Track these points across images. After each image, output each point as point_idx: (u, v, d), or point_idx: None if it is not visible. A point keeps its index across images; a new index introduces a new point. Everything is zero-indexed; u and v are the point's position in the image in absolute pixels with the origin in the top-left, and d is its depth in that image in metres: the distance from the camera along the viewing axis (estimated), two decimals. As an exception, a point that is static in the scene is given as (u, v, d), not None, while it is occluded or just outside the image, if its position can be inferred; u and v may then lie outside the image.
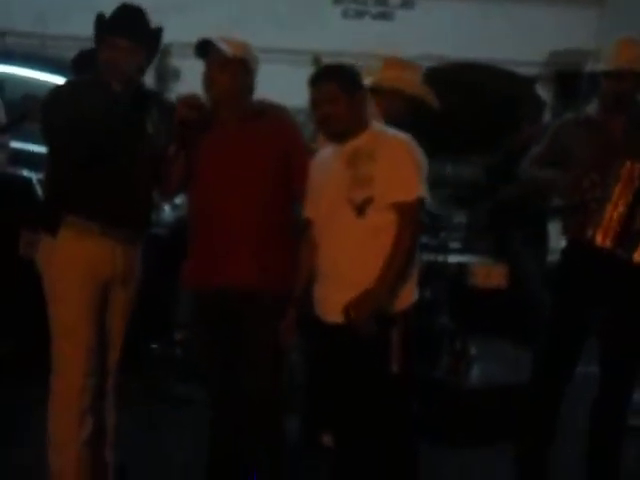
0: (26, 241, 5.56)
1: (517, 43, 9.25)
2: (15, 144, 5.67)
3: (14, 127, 5.50)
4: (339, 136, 3.93)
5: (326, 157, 3.98)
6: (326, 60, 9.44)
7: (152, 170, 3.98)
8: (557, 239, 6.99)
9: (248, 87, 4.06)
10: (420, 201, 3.82)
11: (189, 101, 3.93)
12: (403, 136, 3.91)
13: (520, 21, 9.46)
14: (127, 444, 4.23)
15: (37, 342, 5.57)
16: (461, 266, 6.24)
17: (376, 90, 4.55)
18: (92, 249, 3.90)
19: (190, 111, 3.90)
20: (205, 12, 8.04)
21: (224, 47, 3.94)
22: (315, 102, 3.93)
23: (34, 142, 5.82)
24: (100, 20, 3.94)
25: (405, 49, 9.38)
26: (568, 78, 8.95)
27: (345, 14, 9.81)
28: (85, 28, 8.87)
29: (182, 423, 5.21)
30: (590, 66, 7.83)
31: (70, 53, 7.95)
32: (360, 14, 9.83)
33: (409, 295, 3.91)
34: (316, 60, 10.25)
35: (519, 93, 7.23)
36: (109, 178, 3.88)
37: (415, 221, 3.84)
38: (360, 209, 3.82)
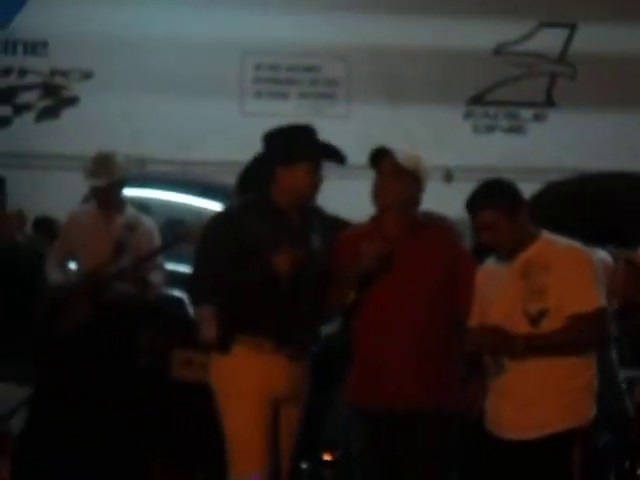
0: (179, 361, 5.60)
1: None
2: (169, 266, 5.77)
3: (168, 249, 5.61)
4: (508, 256, 3.86)
5: (495, 268, 3.91)
6: (458, 176, 9.48)
7: (318, 287, 3.97)
8: None
9: (415, 199, 4.07)
10: (601, 311, 3.70)
11: (375, 254, 3.92)
12: (578, 245, 3.82)
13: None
14: None
15: (193, 460, 5.67)
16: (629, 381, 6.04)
17: None
18: (265, 365, 3.91)
19: (374, 262, 3.91)
20: (342, 130, 8.12)
21: (400, 157, 3.97)
22: (477, 227, 3.87)
23: (185, 263, 5.93)
24: (300, 143, 4.02)
25: (537, 162, 9.41)
26: None
27: (476, 129, 9.84)
28: (223, 153, 9.11)
29: None
30: None
31: (210, 177, 8.21)
32: (491, 128, 9.85)
33: (589, 410, 3.77)
34: (448, 175, 10.31)
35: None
36: (278, 299, 3.90)
37: (596, 331, 3.72)
38: (535, 321, 3.73)
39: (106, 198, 5.71)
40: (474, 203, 3.85)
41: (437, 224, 4.15)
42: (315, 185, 4.00)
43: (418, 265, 3.99)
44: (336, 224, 4.35)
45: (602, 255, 4.54)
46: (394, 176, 3.99)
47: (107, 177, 5.64)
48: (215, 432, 4.43)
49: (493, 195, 3.85)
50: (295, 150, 3.99)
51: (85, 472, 5.17)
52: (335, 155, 4.05)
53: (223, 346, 3.94)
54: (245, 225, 3.92)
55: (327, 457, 5.99)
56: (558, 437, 3.68)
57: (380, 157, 4.03)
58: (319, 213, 4.15)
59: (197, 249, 4.14)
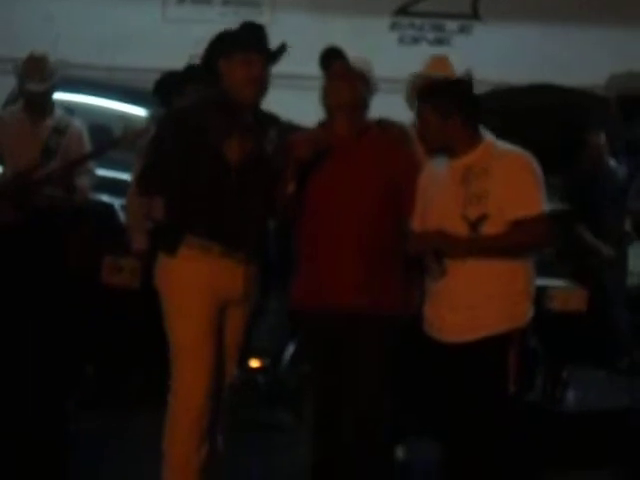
0: (109, 267, 5.54)
1: (577, 66, 9.17)
2: (98, 171, 5.67)
3: (101, 154, 5.51)
4: (433, 152, 3.89)
5: (437, 172, 3.92)
6: (383, 87, 9.45)
7: (269, 191, 3.93)
8: (636, 261, 6.92)
9: (365, 101, 4.04)
10: (543, 216, 3.74)
11: (308, 142, 3.91)
12: (519, 150, 3.84)
13: (580, 44, 9.39)
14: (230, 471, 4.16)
15: (118, 367, 5.65)
16: (539, 290, 6.16)
17: None
18: (212, 269, 3.86)
19: (309, 150, 3.89)
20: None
21: (350, 58, 3.93)
22: (416, 117, 3.94)
23: (117, 169, 5.83)
24: (231, 35, 3.93)
25: (463, 75, 9.38)
26: (629, 101, 8.87)
27: (401, 40, 9.78)
28: (144, 59, 8.88)
29: (276, 449, 5.13)
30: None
31: (133, 83, 8.05)
32: (416, 40, 9.79)
33: (526, 313, 3.83)
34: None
35: (594, 113, 7.17)
36: (227, 198, 3.85)
37: (538, 236, 3.76)
38: (474, 226, 3.75)
39: (41, 102, 5.55)
40: (420, 93, 3.92)
41: (388, 128, 4.12)
42: (252, 78, 3.86)
43: (365, 165, 3.98)
44: (291, 130, 4.28)
45: None
46: (344, 77, 3.95)
47: (45, 81, 5.47)
48: (149, 337, 4.42)
49: (433, 90, 3.89)
50: (230, 42, 3.90)
51: (18, 380, 5.12)
52: (262, 46, 3.91)
53: (170, 248, 3.86)
54: (197, 120, 3.82)
55: (255, 364, 6.03)
56: (496, 339, 3.74)
57: (331, 58, 3.98)
58: (275, 120, 4.08)
59: (148, 143, 4.04)
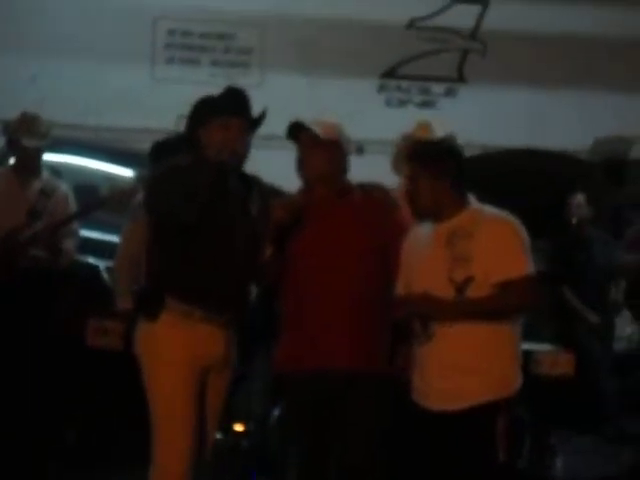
0: (93, 329, 5.51)
1: (561, 130, 9.25)
2: (83, 232, 5.65)
3: (88, 213, 5.50)
4: (422, 216, 3.88)
5: (422, 235, 3.91)
6: (371, 149, 9.50)
7: (253, 254, 3.92)
8: (623, 326, 6.92)
9: (340, 167, 4.05)
10: (528, 278, 3.73)
11: (286, 206, 3.91)
12: (504, 214, 3.84)
13: (565, 108, 9.46)
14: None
15: (101, 432, 5.59)
16: (526, 354, 6.14)
17: None
18: (193, 334, 3.83)
19: (286, 215, 3.89)
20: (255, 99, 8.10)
21: (315, 128, 3.92)
22: (404, 179, 3.94)
23: (103, 230, 5.82)
24: (209, 102, 3.93)
25: (449, 137, 9.44)
26: (615, 165, 8.95)
27: (388, 103, 9.85)
28: (133, 119, 8.90)
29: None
30: (638, 153, 7.87)
31: (120, 143, 8.06)
32: (403, 103, 9.86)
33: (515, 381, 3.82)
34: (359, 148, 10.32)
35: (577, 177, 7.24)
36: (211, 261, 3.83)
37: (524, 297, 3.75)
38: (460, 289, 3.74)
39: (33, 160, 5.55)
40: (410, 152, 3.93)
41: (371, 191, 4.12)
42: (230, 141, 3.84)
43: (349, 226, 3.99)
44: (273, 192, 4.29)
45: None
46: (314, 148, 3.95)
47: (41, 138, 5.48)
48: (133, 400, 4.37)
49: (425, 153, 3.89)
50: (209, 108, 3.91)
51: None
52: (241, 110, 3.89)
53: (151, 313, 3.84)
54: (187, 179, 3.77)
55: (239, 428, 5.97)
56: (484, 407, 3.71)
57: (296, 131, 3.99)
58: (256, 182, 4.07)
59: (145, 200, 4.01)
